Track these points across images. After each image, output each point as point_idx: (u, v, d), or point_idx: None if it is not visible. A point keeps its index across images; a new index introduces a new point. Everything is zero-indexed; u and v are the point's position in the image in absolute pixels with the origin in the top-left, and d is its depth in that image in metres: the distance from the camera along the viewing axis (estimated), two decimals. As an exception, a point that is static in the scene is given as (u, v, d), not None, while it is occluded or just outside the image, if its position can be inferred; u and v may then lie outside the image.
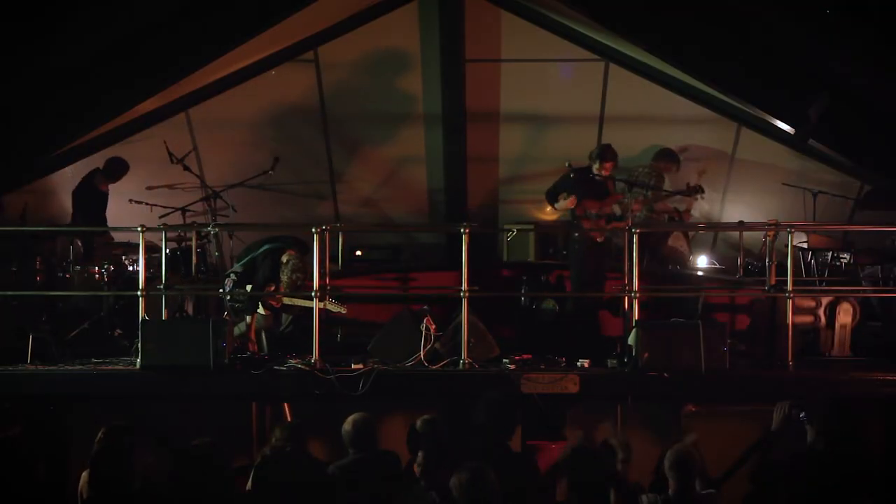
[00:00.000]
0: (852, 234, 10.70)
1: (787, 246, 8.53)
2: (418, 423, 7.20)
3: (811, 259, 10.20)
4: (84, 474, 6.68)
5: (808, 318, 8.86)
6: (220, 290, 8.91)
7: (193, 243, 9.69)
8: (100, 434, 6.64)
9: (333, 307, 8.91)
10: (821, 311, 8.88)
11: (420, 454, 6.58)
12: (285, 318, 9.14)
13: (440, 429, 7.03)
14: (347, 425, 7.14)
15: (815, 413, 6.72)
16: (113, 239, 10.18)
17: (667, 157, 11.00)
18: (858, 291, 9.24)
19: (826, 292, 9.01)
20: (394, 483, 6.67)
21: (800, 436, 6.81)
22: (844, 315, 8.82)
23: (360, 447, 7.07)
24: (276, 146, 11.10)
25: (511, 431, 7.12)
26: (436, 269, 10.71)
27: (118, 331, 9.49)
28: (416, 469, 6.57)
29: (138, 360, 8.06)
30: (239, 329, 8.84)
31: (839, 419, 6.42)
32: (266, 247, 8.89)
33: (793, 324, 8.25)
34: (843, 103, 9.05)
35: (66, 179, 11.33)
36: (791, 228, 8.53)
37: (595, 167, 9.22)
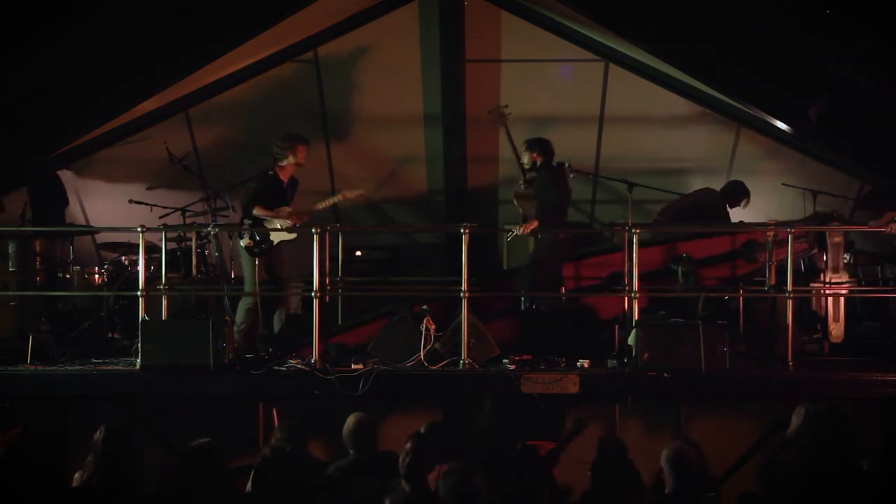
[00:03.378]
0: (852, 234, 10.69)
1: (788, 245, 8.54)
2: (422, 428, 7.25)
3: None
4: (77, 475, 6.69)
5: (802, 246, 9.07)
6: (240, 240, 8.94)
7: (193, 243, 9.69)
8: (97, 435, 6.65)
9: (351, 193, 9.13)
10: (811, 237, 9.15)
11: (409, 447, 6.59)
12: (277, 317, 9.09)
13: (441, 431, 7.06)
14: (347, 426, 7.16)
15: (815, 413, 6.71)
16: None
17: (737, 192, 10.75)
18: (858, 291, 9.24)
19: (828, 294, 9.00)
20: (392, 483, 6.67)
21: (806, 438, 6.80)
22: (835, 234, 8.99)
23: (359, 448, 7.09)
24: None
25: (516, 432, 7.14)
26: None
27: (118, 331, 9.50)
28: (401, 462, 6.58)
29: (138, 360, 8.06)
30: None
31: (838, 419, 6.39)
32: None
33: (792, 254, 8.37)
34: (843, 103, 9.05)
35: (67, 179, 11.32)
36: (791, 228, 8.53)
37: None
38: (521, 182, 9.83)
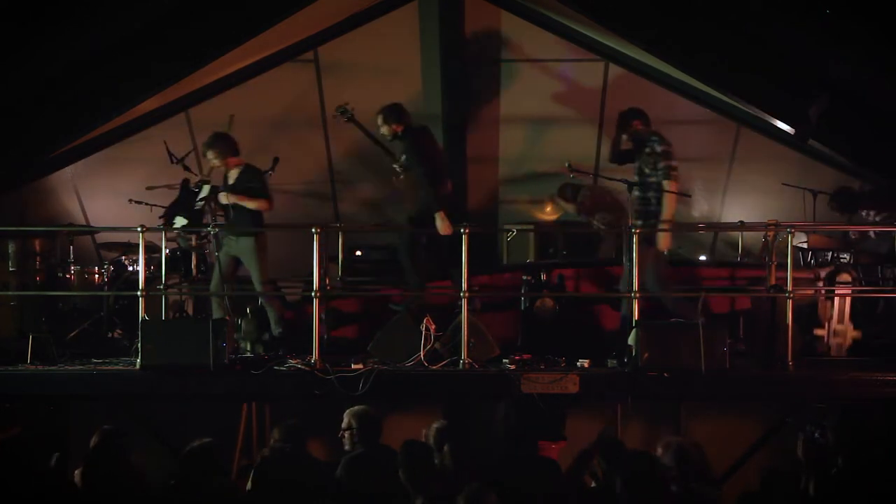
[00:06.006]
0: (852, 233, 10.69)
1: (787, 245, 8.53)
2: (432, 430, 7.29)
3: (811, 259, 10.19)
4: (77, 472, 6.72)
5: (808, 292, 8.91)
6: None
7: (193, 243, 9.68)
8: (94, 438, 6.68)
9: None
10: (820, 284, 8.96)
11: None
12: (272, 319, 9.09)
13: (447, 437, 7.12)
14: (354, 418, 7.25)
15: (827, 423, 6.71)
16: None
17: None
18: (858, 292, 9.23)
19: (827, 293, 8.99)
20: (390, 480, 6.70)
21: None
22: (843, 285, 8.91)
23: (366, 440, 7.17)
24: (277, 146, 11.09)
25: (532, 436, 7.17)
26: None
27: (118, 331, 9.50)
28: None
29: (138, 360, 8.06)
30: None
31: (851, 427, 6.38)
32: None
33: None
34: (843, 103, 9.05)
35: (66, 179, 11.34)
36: (791, 228, 8.52)
37: None
38: (398, 170, 9.18)
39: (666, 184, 8.56)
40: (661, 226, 8.53)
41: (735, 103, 10.47)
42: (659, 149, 8.69)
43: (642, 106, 10.56)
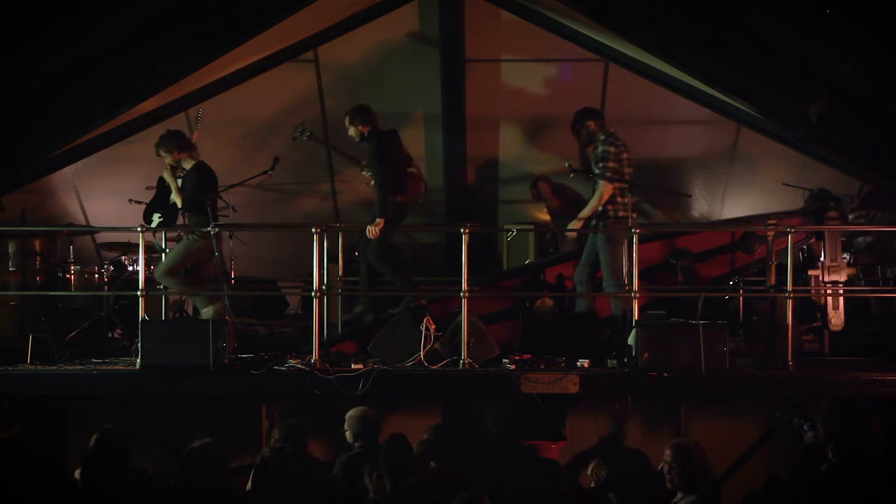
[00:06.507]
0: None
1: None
2: (425, 434, 7.30)
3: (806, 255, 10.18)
4: (77, 472, 6.73)
5: (799, 235, 9.04)
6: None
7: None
8: (94, 438, 6.68)
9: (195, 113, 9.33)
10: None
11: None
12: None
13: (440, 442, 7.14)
14: (353, 413, 7.26)
15: (817, 417, 6.69)
16: None
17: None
18: (857, 291, 9.24)
19: (827, 294, 8.99)
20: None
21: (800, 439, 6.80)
22: (832, 221, 8.99)
23: (365, 439, 7.19)
24: (277, 146, 11.10)
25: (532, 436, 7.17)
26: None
27: (118, 331, 9.51)
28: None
29: (138, 360, 8.06)
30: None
31: (841, 420, 6.36)
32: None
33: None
34: (843, 103, 9.05)
35: (66, 179, 11.35)
36: (791, 228, 8.53)
37: None
38: (366, 175, 9.19)
39: (601, 184, 8.68)
40: (576, 223, 8.74)
41: (735, 103, 10.48)
42: (600, 149, 8.77)
43: (642, 106, 10.64)
